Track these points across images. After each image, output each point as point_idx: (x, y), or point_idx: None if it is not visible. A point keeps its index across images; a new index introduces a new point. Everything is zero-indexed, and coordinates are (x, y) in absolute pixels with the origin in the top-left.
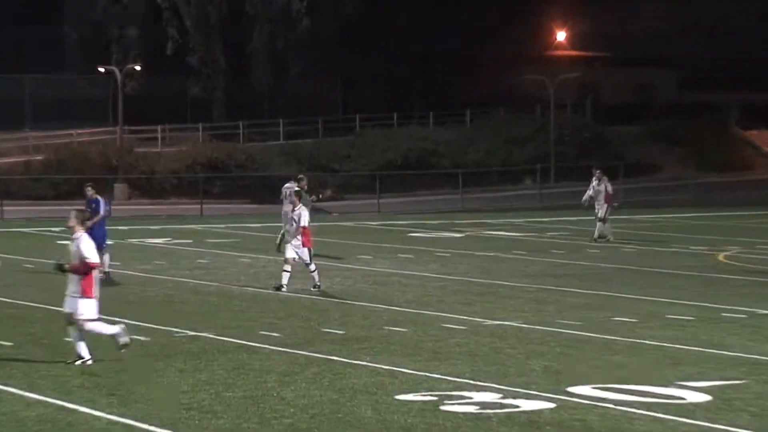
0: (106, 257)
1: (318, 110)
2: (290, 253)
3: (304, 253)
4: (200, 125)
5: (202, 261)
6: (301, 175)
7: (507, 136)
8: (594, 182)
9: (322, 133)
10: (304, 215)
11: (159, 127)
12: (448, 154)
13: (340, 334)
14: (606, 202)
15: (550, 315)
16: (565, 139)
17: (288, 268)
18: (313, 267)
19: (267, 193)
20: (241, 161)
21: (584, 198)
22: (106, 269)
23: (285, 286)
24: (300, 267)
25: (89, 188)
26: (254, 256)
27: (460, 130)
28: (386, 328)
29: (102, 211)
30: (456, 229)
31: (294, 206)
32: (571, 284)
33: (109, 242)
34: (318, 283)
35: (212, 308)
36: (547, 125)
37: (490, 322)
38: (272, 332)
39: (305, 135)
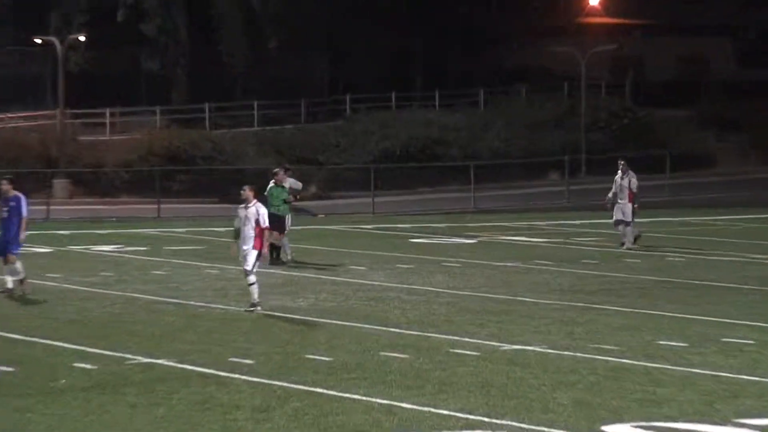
0: (18, 265)
1: (301, 90)
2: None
3: (250, 257)
4: (158, 108)
5: (159, 272)
6: (277, 169)
7: (529, 121)
8: (618, 176)
9: (305, 117)
10: (262, 213)
11: (108, 111)
12: (458, 142)
13: (326, 361)
14: (630, 201)
15: (580, 338)
16: (599, 125)
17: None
18: (252, 279)
19: (239, 190)
20: (208, 152)
21: (608, 196)
22: (8, 284)
23: (258, 303)
24: (279, 279)
25: (4, 183)
26: (222, 266)
27: (472, 113)
28: (383, 353)
29: (24, 212)
30: (467, 233)
31: (248, 203)
32: (606, 301)
33: (18, 251)
34: (256, 301)
35: (171, 330)
36: (577, 108)
37: (508, 346)
38: (244, 359)
39: (285, 120)
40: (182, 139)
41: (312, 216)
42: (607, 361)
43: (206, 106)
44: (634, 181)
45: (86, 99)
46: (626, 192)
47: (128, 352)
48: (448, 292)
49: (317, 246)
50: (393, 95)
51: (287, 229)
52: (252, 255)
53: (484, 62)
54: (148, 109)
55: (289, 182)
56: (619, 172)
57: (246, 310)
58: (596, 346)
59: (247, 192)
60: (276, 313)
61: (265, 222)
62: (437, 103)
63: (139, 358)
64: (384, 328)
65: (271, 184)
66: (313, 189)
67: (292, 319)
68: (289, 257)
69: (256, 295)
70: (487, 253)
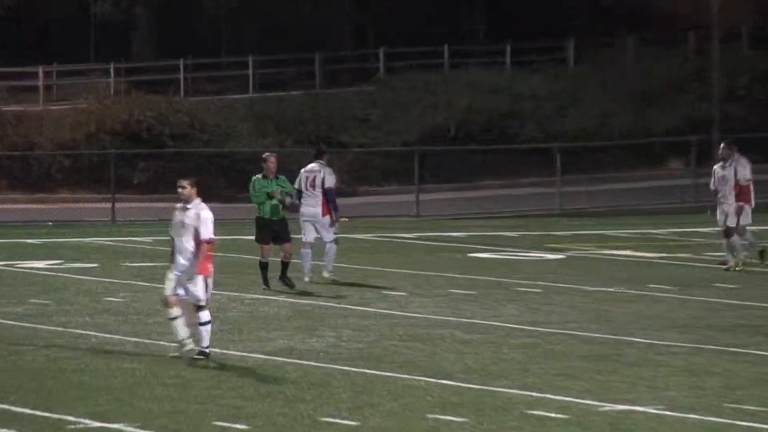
0: None
1: (314, 42)
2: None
3: (197, 286)
4: (111, 66)
5: (113, 299)
6: (266, 154)
7: (639, 87)
8: (717, 165)
9: (320, 80)
10: (206, 218)
11: (41, 69)
12: (537, 116)
13: (351, 426)
14: (742, 199)
15: (714, 396)
16: (738, 92)
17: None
18: (205, 317)
19: (227, 182)
20: (183, 128)
21: (711, 186)
22: None
23: (203, 353)
24: (285, 310)
25: None
26: None
27: (558, 75)
28: (431, 416)
29: None
30: (550, 246)
31: (187, 204)
32: (749, 342)
33: None
34: (206, 350)
35: (131, 382)
36: (707, 69)
37: (609, 407)
38: (235, 423)
39: (292, 85)
40: (146, 111)
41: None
42: (750, 428)
43: (180, 63)
44: (745, 172)
45: (12, 53)
46: (730, 186)
47: (71, 414)
48: (524, 329)
49: (339, 263)
50: (445, 49)
51: (294, 236)
52: (198, 284)
53: (574, 3)
54: (98, 67)
55: (324, 175)
56: (722, 159)
57: (194, 357)
58: (734, 406)
59: (188, 188)
60: (279, 358)
61: (208, 232)
62: (508, 61)
63: (86, 421)
64: (432, 380)
65: (257, 177)
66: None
67: (303, 366)
68: (307, 278)
69: (205, 342)
70: (580, 273)
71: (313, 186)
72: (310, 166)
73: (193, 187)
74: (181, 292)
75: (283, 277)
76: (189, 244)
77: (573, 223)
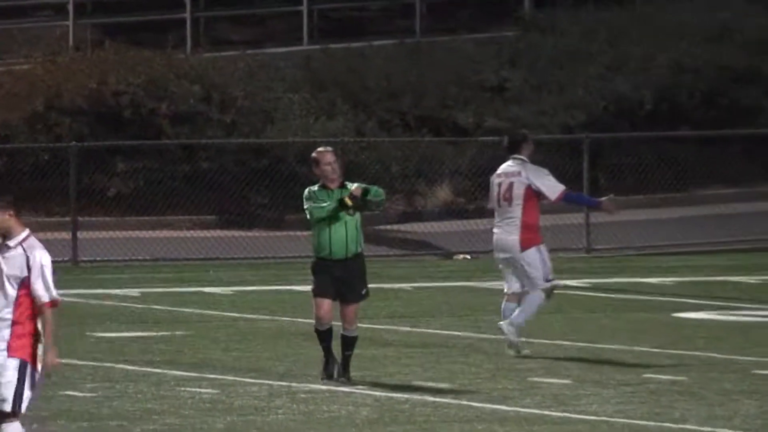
0: None
1: None
2: None
3: (7, 378)
4: (70, 3)
5: (76, 394)
6: (319, 150)
7: None
8: None
9: (423, 21)
10: (38, 264)
11: None
12: None
13: None
14: None
15: None
16: None
17: None
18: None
19: (268, 196)
20: (190, 103)
21: None
22: None
23: None
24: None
25: None
26: (233, 378)
27: None
28: None
29: None
30: None
31: (9, 238)
32: None
33: None
34: None
35: None
36: None
37: None
38: None
39: (374, 29)
40: (129, 75)
41: (440, 257)
42: None
43: None
44: None
45: None
46: None
47: None
48: None
49: (454, 328)
50: None
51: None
52: (7, 376)
53: None
54: (46, 1)
55: (529, 178)
56: None
57: None
58: None
59: (5, 217)
60: None
61: (47, 289)
62: None
63: None
64: None
65: (311, 189)
66: (443, 192)
67: None
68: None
69: None
70: None
71: (509, 199)
72: (504, 166)
73: (12, 215)
74: None
75: (346, 368)
76: (5, 309)
77: None
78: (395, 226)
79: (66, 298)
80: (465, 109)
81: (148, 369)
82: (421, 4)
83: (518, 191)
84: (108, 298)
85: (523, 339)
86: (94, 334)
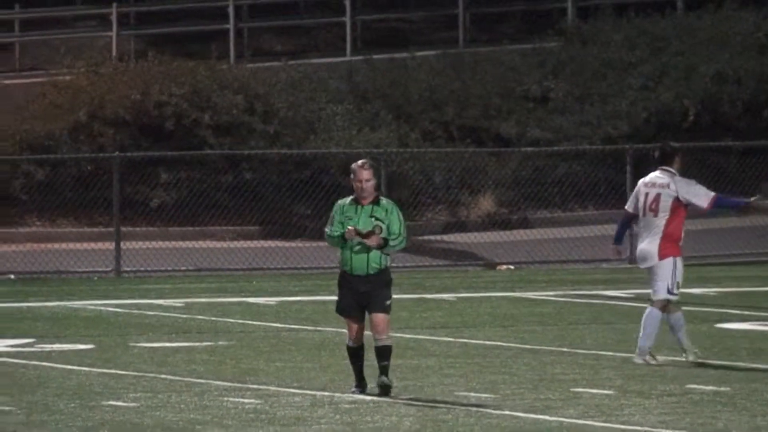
0: None
1: None
2: None
3: None
4: (114, 10)
5: (119, 404)
6: (359, 163)
7: None
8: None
9: (467, 32)
10: None
11: None
12: None
13: None
14: None
15: None
16: None
17: None
18: None
19: (312, 207)
20: (233, 114)
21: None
22: None
23: None
24: None
25: None
26: (277, 389)
27: None
28: None
29: None
30: None
31: None
32: None
33: None
34: None
35: None
36: None
37: None
38: None
39: (417, 40)
40: (172, 85)
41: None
42: None
43: (229, 5)
44: None
45: None
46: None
47: None
48: None
49: (497, 338)
50: None
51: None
52: None
53: None
54: (91, 13)
55: (677, 190)
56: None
57: None
58: None
59: None
60: None
61: None
62: None
63: None
64: None
65: (342, 203)
66: (486, 202)
67: None
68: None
69: None
70: None
71: (655, 210)
72: (653, 176)
73: None
74: None
75: (381, 376)
76: None
77: None
78: (438, 237)
79: (109, 309)
80: (508, 120)
81: (191, 379)
82: (465, 15)
83: (665, 203)
84: (151, 309)
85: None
86: (137, 344)
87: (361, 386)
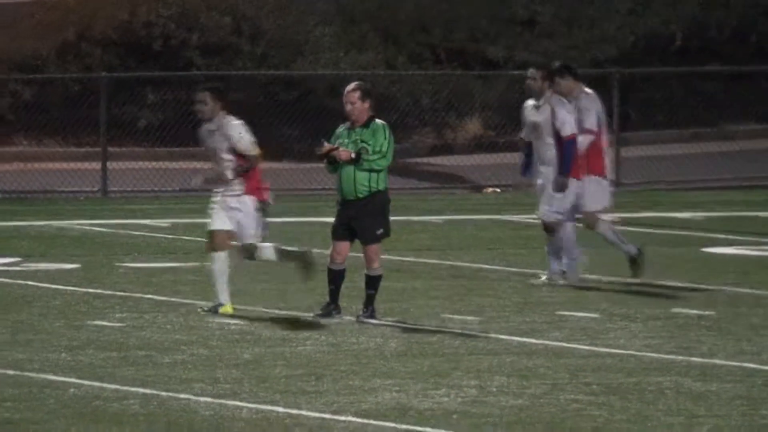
0: None
1: None
2: None
3: None
4: None
5: (104, 324)
6: (349, 86)
7: None
8: (529, 103)
9: None
10: None
11: None
12: None
13: None
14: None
15: None
16: None
17: None
18: None
19: (299, 129)
20: (220, 35)
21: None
22: None
23: None
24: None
25: None
26: (255, 308)
27: None
28: None
29: None
30: None
31: None
32: None
33: None
34: None
35: None
36: None
37: None
38: None
39: None
40: (160, 5)
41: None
42: None
43: None
44: (591, 114)
45: None
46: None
47: None
48: None
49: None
50: None
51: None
52: None
53: None
54: None
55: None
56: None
57: None
58: None
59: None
60: (385, 423)
61: None
62: None
63: None
64: None
65: (339, 129)
66: (473, 125)
67: None
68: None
69: None
70: None
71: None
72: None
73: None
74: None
75: (366, 307)
76: None
77: None
78: (425, 159)
79: (95, 228)
80: (495, 43)
81: (177, 299)
82: None
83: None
84: (137, 229)
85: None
86: (123, 264)
87: (327, 306)
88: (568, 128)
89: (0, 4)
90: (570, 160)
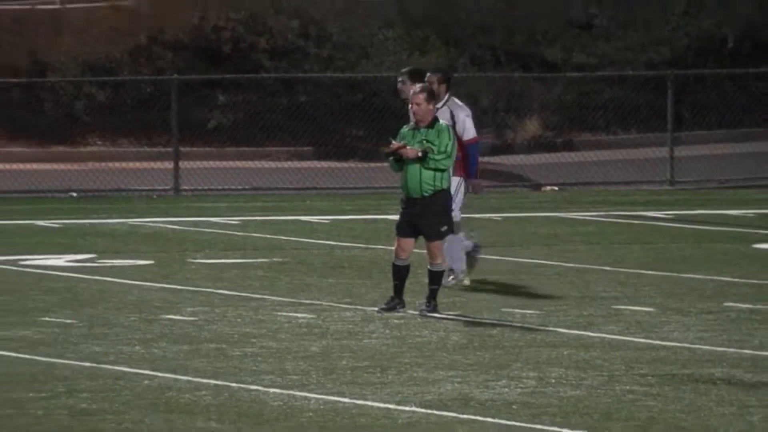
0: None
1: None
2: None
3: None
4: None
5: (177, 318)
6: (416, 87)
7: None
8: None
9: None
10: None
11: None
12: None
13: None
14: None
15: None
16: None
17: None
18: None
19: (364, 129)
20: (288, 39)
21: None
22: None
23: None
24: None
25: None
26: (328, 304)
27: None
28: None
29: None
30: None
31: None
32: None
33: None
34: None
35: None
36: None
37: None
38: None
39: None
40: (229, 10)
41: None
42: None
43: None
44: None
45: None
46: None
47: None
48: None
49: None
50: None
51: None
52: None
53: None
54: None
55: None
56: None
57: None
58: None
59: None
60: (447, 413)
61: None
62: None
63: None
64: None
65: (403, 129)
66: (532, 126)
67: (485, 425)
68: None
69: None
70: None
71: None
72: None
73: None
74: None
75: (429, 301)
76: None
77: None
78: (485, 159)
79: (167, 226)
80: (553, 45)
81: (247, 294)
82: None
83: None
84: (208, 226)
85: None
86: (195, 260)
87: (391, 302)
88: (471, 132)
89: (73, 9)
90: (476, 163)
